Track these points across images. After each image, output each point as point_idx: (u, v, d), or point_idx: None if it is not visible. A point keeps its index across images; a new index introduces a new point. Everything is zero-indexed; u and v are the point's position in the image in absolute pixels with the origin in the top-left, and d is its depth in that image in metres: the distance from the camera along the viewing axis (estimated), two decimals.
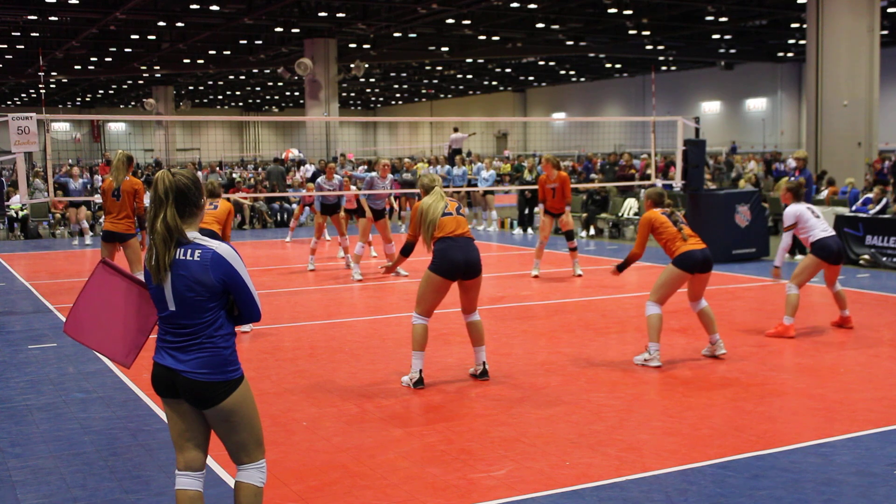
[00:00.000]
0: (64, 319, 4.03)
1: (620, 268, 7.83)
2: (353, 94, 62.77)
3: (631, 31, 32.41)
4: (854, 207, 15.26)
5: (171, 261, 3.43)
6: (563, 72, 50.59)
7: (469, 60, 42.27)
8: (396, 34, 33.66)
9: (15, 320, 10.04)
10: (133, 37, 33.97)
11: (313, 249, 13.76)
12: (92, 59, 39.30)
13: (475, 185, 21.18)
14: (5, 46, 35.11)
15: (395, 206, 21.33)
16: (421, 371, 6.74)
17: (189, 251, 3.44)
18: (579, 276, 12.48)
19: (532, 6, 27.73)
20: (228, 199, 10.08)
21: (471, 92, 62.14)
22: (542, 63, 45.43)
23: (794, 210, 8.56)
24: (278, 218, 22.45)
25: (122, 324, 3.76)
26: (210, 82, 51.92)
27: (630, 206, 18.51)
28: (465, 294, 6.84)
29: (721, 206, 13.95)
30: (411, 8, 27.31)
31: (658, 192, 7.70)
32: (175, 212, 3.45)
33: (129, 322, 3.76)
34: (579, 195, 19.23)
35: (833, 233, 8.59)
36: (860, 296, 10.70)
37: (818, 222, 8.55)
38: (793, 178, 14.87)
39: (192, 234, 3.50)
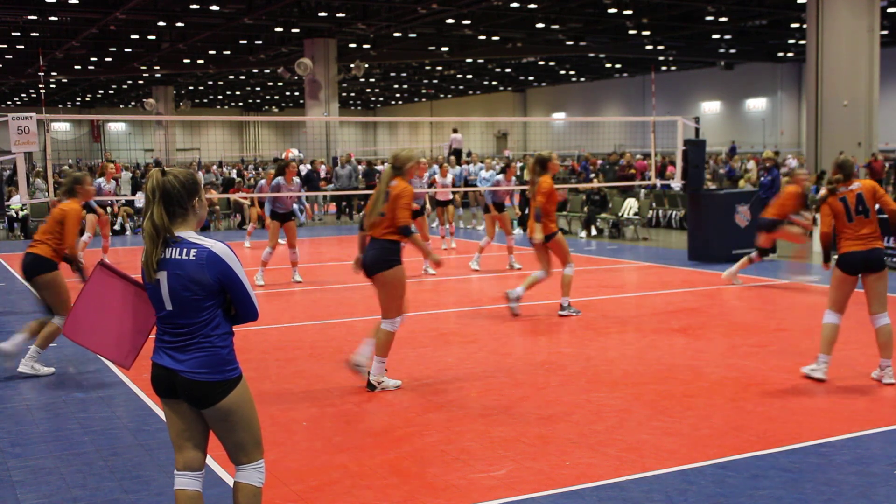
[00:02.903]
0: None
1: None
2: (353, 94, 62.75)
3: (631, 31, 32.41)
4: None
5: (160, 258, 3.44)
6: (563, 72, 50.58)
7: (469, 60, 42.26)
8: (396, 34, 33.66)
9: (15, 320, 10.03)
10: (133, 37, 33.96)
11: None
12: (92, 59, 39.29)
13: (474, 185, 21.19)
14: (5, 46, 35.10)
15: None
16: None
17: (185, 250, 3.44)
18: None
19: (532, 6, 27.73)
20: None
21: (471, 92, 62.12)
22: (542, 63, 45.42)
23: None
24: None
25: (121, 325, 3.75)
26: (210, 82, 51.91)
27: (630, 206, 18.50)
28: None
29: (721, 206, 13.95)
30: (411, 8, 27.31)
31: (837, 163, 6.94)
32: (162, 210, 3.45)
33: (127, 323, 3.75)
34: (579, 195, 19.23)
35: None
36: (860, 296, 10.66)
37: None
38: (762, 179, 14.96)
39: (188, 234, 3.50)
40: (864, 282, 6.78)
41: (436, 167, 19.55)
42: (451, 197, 16.82)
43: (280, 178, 12.15)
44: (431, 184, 17.06)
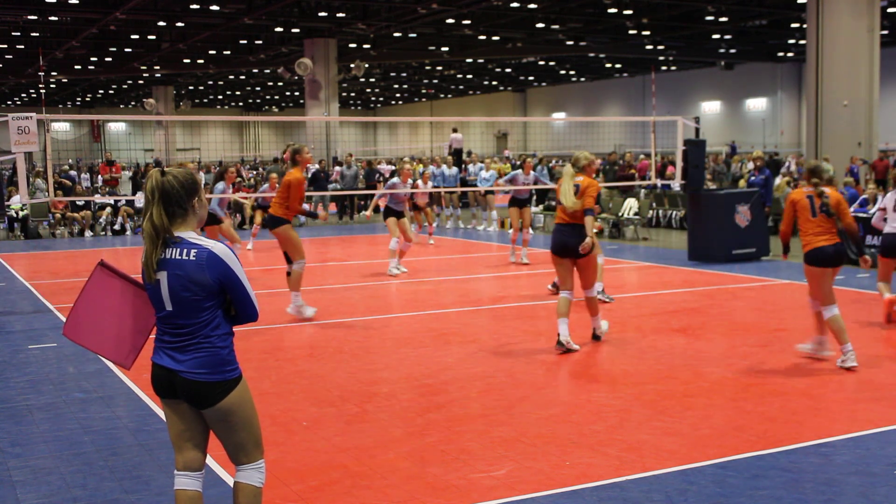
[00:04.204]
0: (64, 319, 4.03)
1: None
2: (353, 94, 62.74)
3: (631, 31, 32.39)
4: (853, 209, 15.26)
5: (159, 259, 3.44)
6: (563, 72, 50.56)
7: (469, 60, 42.24)
8: (396, 34, 33.64)
9: (15, 320, 10.04)
10: (133, 37, 33.95)
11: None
12: (92, 59, 39.27)
13: (474, 185, 21.16)
14: (5, 46, 35.09)
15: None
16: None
17: (185, 250, 3.44)
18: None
19: (532, 6, 27.72)
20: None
21: (471, 92, 62.11)
22: (542, 63, 45.41)
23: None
24: None
25: (121, 325, 3.75)
26: (210, 82, 51.89)
27: (630, 206, 18.50)
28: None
29: (721, 206, 13.95)
30: (411, 8, 27.30)
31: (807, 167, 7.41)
32: (162, 211, 3.45)
33: (128, 323, 3.75)
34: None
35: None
36: (860, 295, 10.71)
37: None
38: (754, 179, 14.97)
39: (189, 234, 3.50)
40: None
41: (421, 169, 19.77)
42: (428, 201, 17.55)
43: (220, 184, 12.61)
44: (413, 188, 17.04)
